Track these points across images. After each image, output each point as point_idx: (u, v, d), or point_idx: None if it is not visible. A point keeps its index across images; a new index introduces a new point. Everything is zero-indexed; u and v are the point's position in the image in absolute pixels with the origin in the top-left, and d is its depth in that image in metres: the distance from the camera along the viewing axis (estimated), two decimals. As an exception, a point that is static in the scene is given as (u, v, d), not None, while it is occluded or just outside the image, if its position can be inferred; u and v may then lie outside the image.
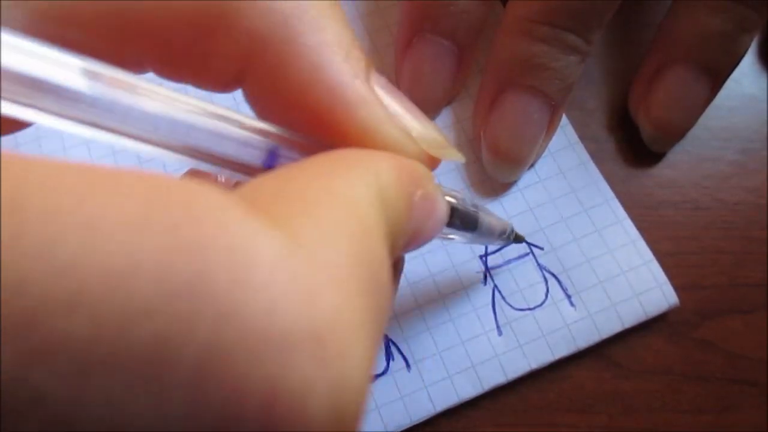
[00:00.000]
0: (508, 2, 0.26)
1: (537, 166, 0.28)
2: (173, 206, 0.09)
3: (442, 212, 0.16)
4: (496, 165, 0.27)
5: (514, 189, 0.27)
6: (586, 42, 0.25)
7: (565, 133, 0.28)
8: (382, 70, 0.29)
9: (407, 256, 0.26)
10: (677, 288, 0.26)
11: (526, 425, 0.25)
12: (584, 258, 0.26)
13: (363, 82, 0.15)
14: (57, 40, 0.13)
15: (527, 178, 0.27)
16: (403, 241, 0.14)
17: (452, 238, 0.20)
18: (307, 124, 0.15)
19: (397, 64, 0.28)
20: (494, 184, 0.27)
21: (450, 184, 0.27)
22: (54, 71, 0.11)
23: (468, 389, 0.24)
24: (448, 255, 0.26)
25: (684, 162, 0.28)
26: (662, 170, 0.28)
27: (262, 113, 0.16)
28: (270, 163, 0.15)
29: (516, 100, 0.26)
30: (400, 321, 0.25)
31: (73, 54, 0.12)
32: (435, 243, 0.26)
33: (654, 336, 0.26)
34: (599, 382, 0.25)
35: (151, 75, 0.16)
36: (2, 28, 0.11)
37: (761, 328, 0.26)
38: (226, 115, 0.14)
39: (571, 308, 0.25)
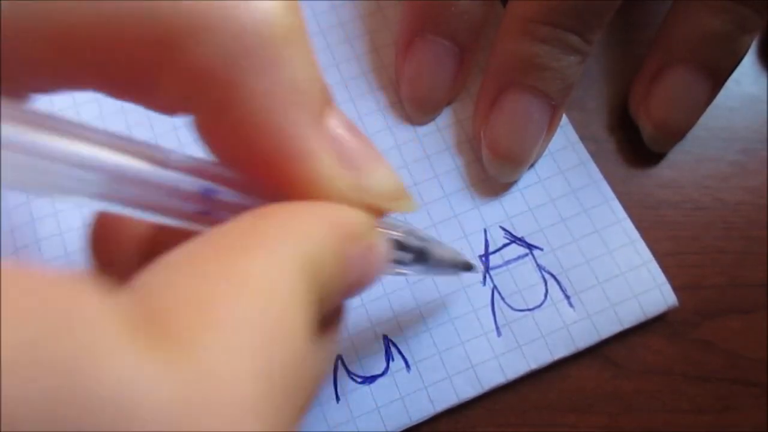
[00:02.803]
0: (508, 2, 0.26)
1: (537, 166, 0.28)
2: (61, 338, 0.08)
3: (382, 260, 0.16)
4: (496, 165, 0.27)
5: (514, 189, 0.27)
6: (587, 42, 0.25)
7: (565, 133, 0.28)
8: (381, 70, 0.29)
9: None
10: (677, 288, 0.26)
11: (526, 425, 0.25)
12: (583, 258, 0.26)
13: (313, 128, 0.14)
14: None
15: (527, 178, 0.27)
16: (338, 297, 0.14)
17: (404, 273, 0.20)
18: (250, 166, 0.14)
19: (397, 65, 0.28)
20: (494, 185, 0.27)
21: (450, 185, 0.27)
22: None
23: (467, 390, 0.24)
24: (448, 255, 0.26)
25: (684, 162, 0.28)
26: (662, 170, 0.28)
27: (210, 147, 0.15)
28: (205, 207, 0.14)
29: (516, 100, 0.26)
30: (399, 321, 0.25)
31: None
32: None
33: (654, 336, 0.26)
34: (599, 382, 0.25)
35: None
36: None
37: (761, 328, 0.26)
38: (155, 156, 0.13)
39: (570, 309, 0.25)
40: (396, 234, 0.18)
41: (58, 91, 0.15)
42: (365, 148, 0.16)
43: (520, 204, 0.27)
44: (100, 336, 0.09)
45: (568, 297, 0.26)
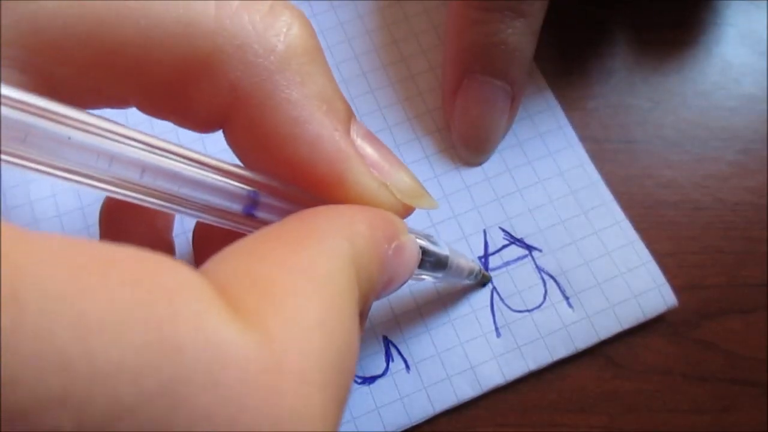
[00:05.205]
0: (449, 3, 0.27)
1: (536, 166, 0.28)
2: (157, 301, 0.10)
3: (413, 261, 0.17)
4: (465, 151, 0.27)
5: (513, 190, 0.27)
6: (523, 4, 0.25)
7: (564, 134, 0.28)
8: (380, 70, 0.29)
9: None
10: (677, 288, 0.26)
11: (526, 425, 0.25)
12: (582, 260, 0.26)
13: (343, 135, 0.16)
14: (45, 74, 0.14)
15: (526, 179, 0.27)
16: (374, 295, 0.15)
17: (423, 278, 0.21)
18: (287, 173, 0.16)
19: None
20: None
21: (450, 185, 0.27)
22: (39, 121, 0.12)
23: (467, 390, 0.24)
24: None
25: (684, 162, 0.28)
26: (662, 170, 0.28)
27: (242, 157, 0.17)
28: (250, 209, 0.15)
29: (475, 87, 0.26)
30: (399, 322, 0.25)
31: (56, 102, 0.12)
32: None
33: (654, 336, 0.26)
34: (599, 382, 0.25)
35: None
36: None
37: (761, 328, 0.26)
38: (206, 161, 0.14)
39: (569, 310, 0.25)
40: (420, 239, 0.19)
41: (101, 107, 0.16)
42: (386, 154, 0.17)
43: (520, 205, 0.27)
44: (190, 301, 0.10)
45: (567, 298, 0.26)
